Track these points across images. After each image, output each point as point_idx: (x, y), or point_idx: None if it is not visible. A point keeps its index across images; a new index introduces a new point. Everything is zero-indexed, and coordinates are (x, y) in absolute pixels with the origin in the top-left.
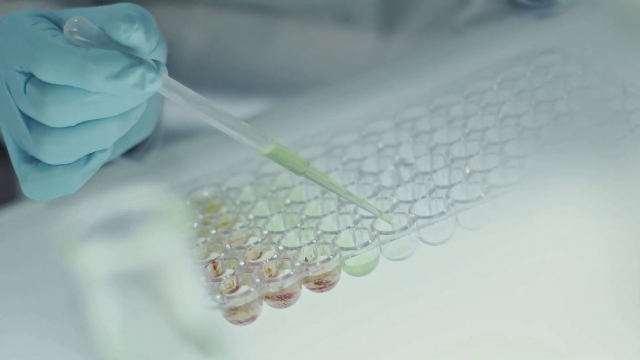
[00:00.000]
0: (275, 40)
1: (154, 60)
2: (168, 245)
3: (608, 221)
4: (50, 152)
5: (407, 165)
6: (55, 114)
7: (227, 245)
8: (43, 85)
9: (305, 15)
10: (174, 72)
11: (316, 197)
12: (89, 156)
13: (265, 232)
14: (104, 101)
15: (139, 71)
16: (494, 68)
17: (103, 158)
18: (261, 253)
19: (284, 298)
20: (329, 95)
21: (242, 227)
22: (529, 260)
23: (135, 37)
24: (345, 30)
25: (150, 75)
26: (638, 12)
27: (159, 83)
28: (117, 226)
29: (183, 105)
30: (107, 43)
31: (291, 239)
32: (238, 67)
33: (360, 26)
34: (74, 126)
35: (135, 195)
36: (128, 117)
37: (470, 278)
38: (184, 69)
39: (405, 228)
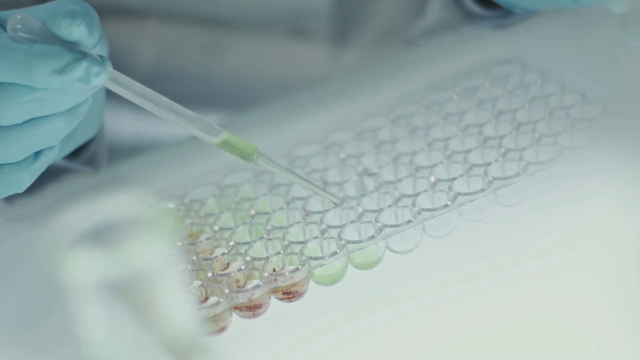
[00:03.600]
0: (228, 53)
1: (99, 55)
2: (156, 253)
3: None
4: None
5: (371, 174)
6: (1, 112)
7: (194, 257)
8: None
9: (258, 28)
10: None
11: (281, 208)
12: (37, 154)
13: (231, 243)
14: (50, 97)
15: (84, 65)
16: (452, 79)
17: (51, 156)
18: (228, 264)
19: (253, 309)
20: (286, 108)
21: (207, 238)
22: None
23: (77, 32)
24: (298, 43)
25: (95, 69)
26: (594, 20)
27: (105, 76)
28: (105, 233)
29: (130, 99)
30: (51, 39)
31: (258, 250)
32: (191, 80)
33: (313, 39)
34: (21, 124)
35: (123, 202)
36: (74, 114)
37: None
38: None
39: (372, 237)
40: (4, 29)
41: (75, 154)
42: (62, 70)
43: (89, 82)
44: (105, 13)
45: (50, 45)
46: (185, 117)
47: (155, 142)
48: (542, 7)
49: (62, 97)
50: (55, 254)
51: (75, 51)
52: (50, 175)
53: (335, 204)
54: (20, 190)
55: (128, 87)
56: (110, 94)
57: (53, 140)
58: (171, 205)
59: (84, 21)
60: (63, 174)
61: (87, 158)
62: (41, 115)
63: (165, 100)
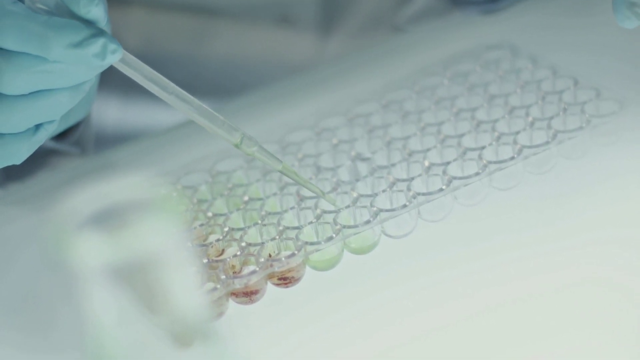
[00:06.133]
0: (214, 41)
1: None
2: (163, 235)
3: None
4: (1, 120)
5: (364, 160)
6: (10, 80)
7: (188, 244)
8: (0, 52)
9: (243, 16)
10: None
11: (274, 194)
12: (38, 127)
13: (225, 229)
14: (60, 71)
15: (101, 41)
16: (442, 64)
17: (50, 129)
18: (223, 250)
19: (249, 294)
20: (275, 94)
21: (201, 225)
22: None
23: (95, 11)
24: (283, 30)
25: (112, 46)
26: (582, 4)
27: (120, 54)
28: (112, 216)
29: (139, 81)
30: (66, 15)
31: (253, 236)
32: (177, 68)
33: (299, 26)
34: (27, 95)
35: (129, 185)
36: (78, 90)
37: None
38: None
39: (368, 222)
40: (22, 0)
41: (62, 135)
42: (78, 45)
43: (104, 59)
44: None
45: (68, 19)
46: (191, 105)
47: (142, 131)
48: None
49: (72, 72)
50: (60, 239)
51: (92, 27)
52: (39, 157)
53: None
54: (18, 162)
55: (138, 70)
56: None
57: (55, 114)
58: (162, 191)
59: (102, 1)
60: (51, 155)
61: (75, 139)
62: (47, 88)
63: (172, 86)
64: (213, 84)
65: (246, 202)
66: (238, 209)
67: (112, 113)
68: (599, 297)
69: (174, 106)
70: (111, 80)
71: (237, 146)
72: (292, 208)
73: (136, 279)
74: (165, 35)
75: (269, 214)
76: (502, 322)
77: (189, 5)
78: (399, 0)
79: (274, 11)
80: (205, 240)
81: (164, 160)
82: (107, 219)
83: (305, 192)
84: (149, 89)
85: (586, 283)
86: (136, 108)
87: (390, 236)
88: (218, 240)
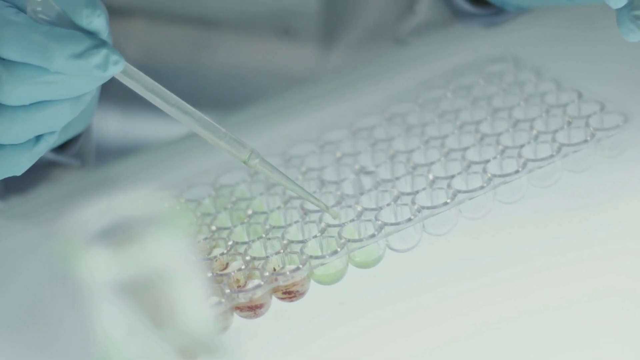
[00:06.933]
0: (214, 53)
1: None
2: (168, 250)
3: None
4: (2, 130)
5: (368, 173)
6: (11, 91)
7: (192, 258)
8: (2, 62)
9: (245, 28)
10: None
11: (278, 207)
12: (38, 138)
13: (230, 243)
14: (61, 82)
15: (103, 52)
16: (445, 77)
17: (51, 141)
18: (227, 264)
19: (254, 308)
20: (277, 107)
21: (205, 238)
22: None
23: (97, 22)
24: (285, 42)
25: (114, 57)
26: (585, 16)
27: (122, 65)
28: (116, 230)
29: (141, 93)
30: (68, 26)
31: (257, 249)
32: (177, 80)
33: (301, 38)
34: (28, 105)
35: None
36: (79, 101)
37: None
38: (121, 83)
39: (373, 235)
40: (21, 10)
41: (63, 147)
42: (80, 55)
43: (106, 70)
44: None
45: (70, 30)
46: (192, 117)
47: (143, 144)
48: (535, 4)
49: (73, 83)
50: (66, 253)
51: (94, 38)
52: (39, 169)
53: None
54: (19, 173)
55: (139, 81)
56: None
57: (56, 126)
58: (167, 205)
59: (103, 12)
60: (52, 168)
61: (75, 151)
62: (48, 99)
63: (174, 97)
64: (214, 97)
65: (250, 216)
66: (242, 223)
67: (114, 126)
68: (604, 310)
69: (176, 118)
70: (112, 93)
71: (244, 162)
72: (296, 222)
73: (141, 293)
74: (166, 47)
75: (273, 227)
76: (508, 336)
77: (190, 17)
78: (400, 12)
79: (275, 23)
80: (209, 254)
81: (166, 174)
82: (112, 233)
83: (310, 206)
84: (151, 101)
85: (591, 296)
86: (137, 121)
87: (395, 250)
88: (222, 254)
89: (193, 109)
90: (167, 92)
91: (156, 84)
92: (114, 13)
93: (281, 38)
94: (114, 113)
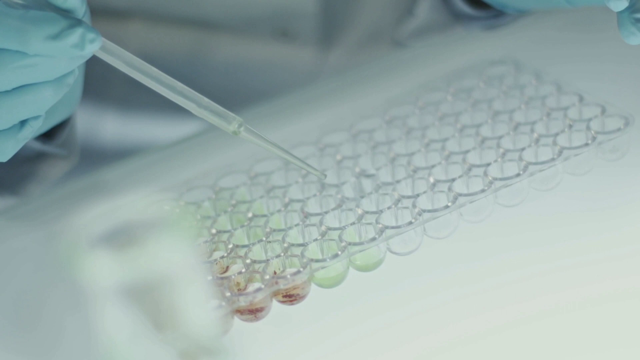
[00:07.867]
0: (213, 55)
1: None
2: (169, 253)
3: None
4: None
5: (369, 176)
6: None
7: (193, 260)
8: None
9: (243, 30)
10: (109, 86)
11: (279, 210)
12: (23, 123)
13: (230, 246)
14: (41, 64)
15: (79, 31)
16: (445, 79)
17: (36, 126)
18: (227, 267)
19: (254, 312)
20: (276, 109)
21: (205, 241)
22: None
23: (71, 0)
24: (283, 44)
25: (90, 35)
26: (585, 20)
27: (99, 43)
28: (116, 234)
29: (121, 68)
30: (43, 7)
31: (257, 253)
32: None
33: (299, 40)
34: (10, 91)
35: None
36: (62, 83)
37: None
38: (119, 85)
39: (373, 239)
40: None
41: (48, 136)
42: (56, 36)
43: (84, 49)
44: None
45: (45, 11)
46: (173, 88)
47: (141, 147)
48: (535, 7)
49: (53, 65)
50: (70, 256)
51: (69, 18)
52: (27, 161)
53: (320, 178)
54: (4, 160)
55: (119, 57)
56: (91, 96)
57: (39, 110)
58: (167, 208)
59: None
60: (39, 161)
61: (61, 141)
62: (30, 83)
63: (155, 70)
64: (212, 98)
65: (250, 219)
66: (242, 226)
67: (113, 128)
68: (605, 312)
69: (157, 90)
70: (111, 96)
71: (234, 133)
72: (296, 225)
73: (142, 296)
74: (165, 49)
75: (274, 230)
76: (510, 340)
77: (189, 19)
78: (400, 14)
79: (274, 26)
80: (209, 257)
81: (165, 177)
82: (112, 236)
83: (310, 209)
84: (132, 75)
85: (593, 299)
86: (136, 123)
87: (395, 253)
88: (222, 257)
89: (175, 81)
90: (148, 65)
91: (136, 58)
92: (113, 14)
93: (280, 40)
94: (113, 116)
